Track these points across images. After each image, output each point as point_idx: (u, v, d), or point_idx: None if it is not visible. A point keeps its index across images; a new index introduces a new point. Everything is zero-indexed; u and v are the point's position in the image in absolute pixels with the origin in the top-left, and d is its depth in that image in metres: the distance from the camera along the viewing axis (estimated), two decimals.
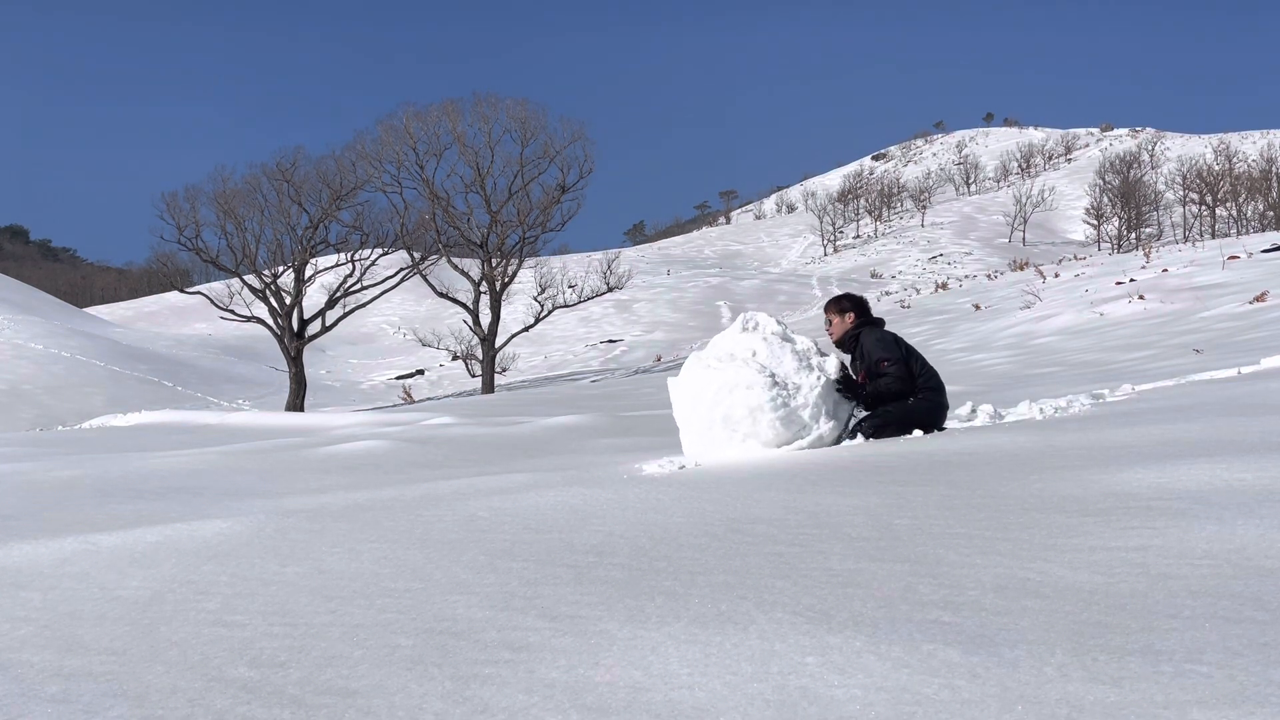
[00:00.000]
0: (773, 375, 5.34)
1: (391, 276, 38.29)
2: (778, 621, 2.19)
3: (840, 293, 6.39)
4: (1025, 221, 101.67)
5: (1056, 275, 35.30)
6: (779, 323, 5.79)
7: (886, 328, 6.13)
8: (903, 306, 41.31)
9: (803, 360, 5.50)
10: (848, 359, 6.03)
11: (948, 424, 6.12)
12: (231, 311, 36.28)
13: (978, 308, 31.98)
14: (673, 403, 5.78)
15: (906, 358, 5.85)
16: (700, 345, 6.19)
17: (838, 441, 5.52)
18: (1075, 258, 56.77)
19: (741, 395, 5.29)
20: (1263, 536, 2.50)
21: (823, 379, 5.46)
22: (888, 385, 5.72)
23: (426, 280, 38.76)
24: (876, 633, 2.05)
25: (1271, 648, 1.77)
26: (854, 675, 1.84)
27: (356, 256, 37.99)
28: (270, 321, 36.72)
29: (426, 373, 57.07)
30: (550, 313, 39.58)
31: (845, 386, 5.63)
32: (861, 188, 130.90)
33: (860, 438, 5.60)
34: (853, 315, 6.09)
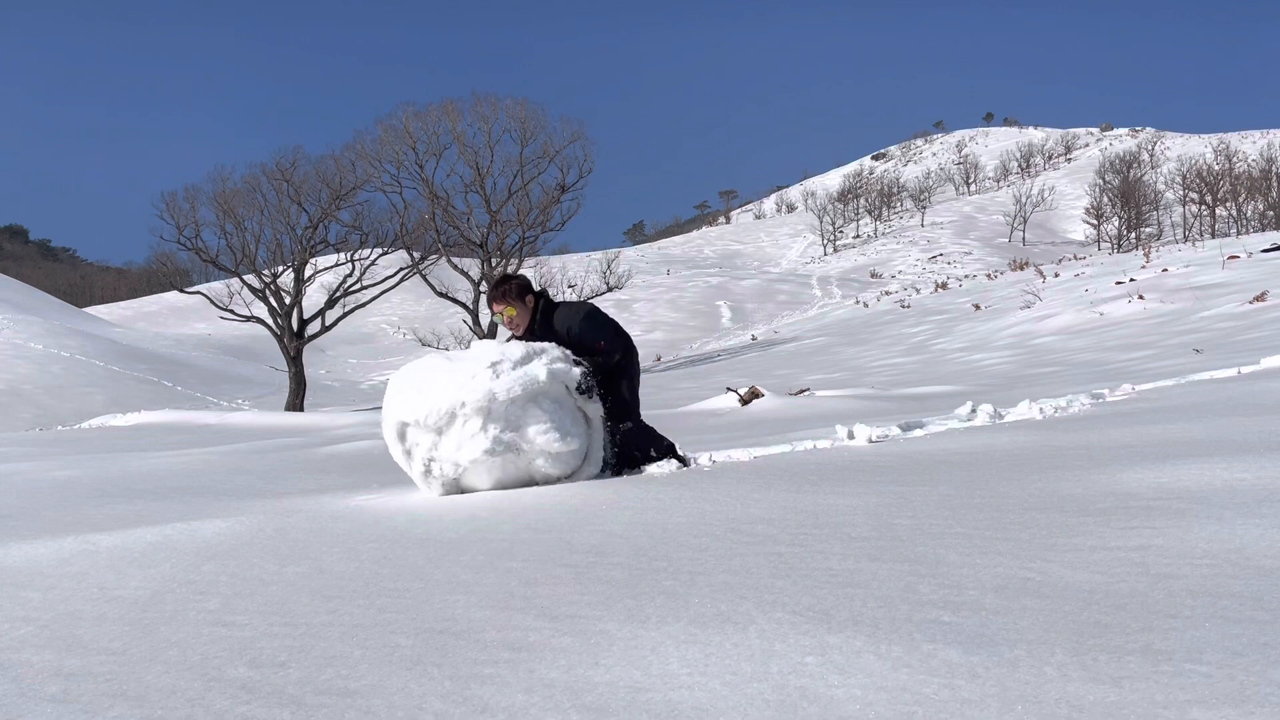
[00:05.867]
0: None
1: (391, 276, 38.25)
2: (778, 621, 2.19)
3: (497, 280, 5.35)
4: (1025, 221, 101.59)
5: (1056, 275, 35.33)
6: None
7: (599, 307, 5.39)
8: (903, 306, 41.31)
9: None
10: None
11: (947, 423, 6.12)
12: (231, 311, 36.23)
13: (978, 308, 31.99)
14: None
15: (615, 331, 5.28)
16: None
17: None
18: (1075, 258, 56.77)
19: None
20: (1263, 536, 2.51)
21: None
22: (615, 361, 5.16)
23: (426, 280, 38.75)
24: (876, 633, 2.05)
25: (1271, 648, 1.77)
26: (854, 675, 1.84)
27: (356, 256, 37.94)
28: (270, 321, 36.67)
29: None
30: None
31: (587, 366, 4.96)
32: (861, 187, 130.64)
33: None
34: (531, 296, 5.28)
